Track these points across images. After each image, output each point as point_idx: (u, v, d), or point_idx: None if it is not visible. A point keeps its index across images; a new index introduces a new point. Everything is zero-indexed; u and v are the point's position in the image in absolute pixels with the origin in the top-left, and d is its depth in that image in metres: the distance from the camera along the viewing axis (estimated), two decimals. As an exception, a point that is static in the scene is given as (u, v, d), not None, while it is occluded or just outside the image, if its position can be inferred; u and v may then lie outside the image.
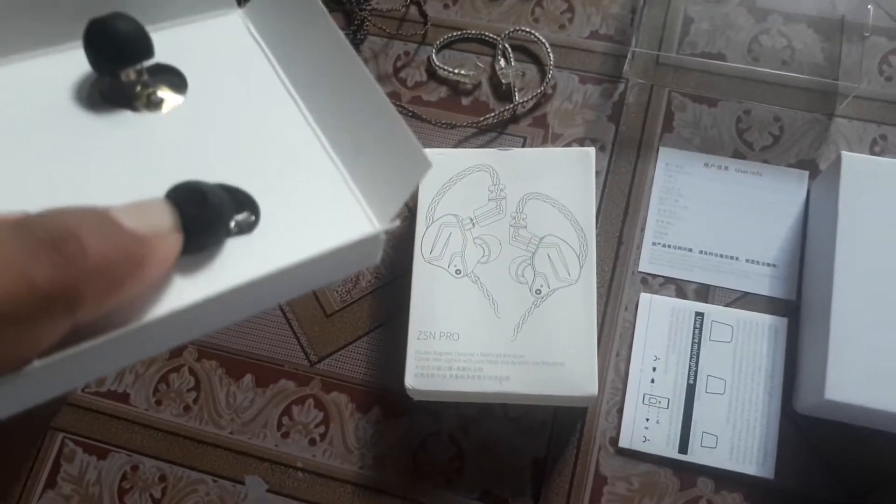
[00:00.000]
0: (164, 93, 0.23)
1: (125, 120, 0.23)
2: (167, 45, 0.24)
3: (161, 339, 0.19)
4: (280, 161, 0.23)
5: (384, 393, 0.51)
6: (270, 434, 0.50)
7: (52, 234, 0.15)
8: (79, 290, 0.15)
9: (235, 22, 0.26)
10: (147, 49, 0.22)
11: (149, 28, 0.22)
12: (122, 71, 0.22)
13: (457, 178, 0.48)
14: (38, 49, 0.23)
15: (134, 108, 0.23)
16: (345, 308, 0.53)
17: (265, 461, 0.50)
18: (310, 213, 0.22)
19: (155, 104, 0.23)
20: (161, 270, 0.18)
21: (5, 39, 0.22)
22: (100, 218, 0.17)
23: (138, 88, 0.23)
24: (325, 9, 0.23)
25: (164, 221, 0.18)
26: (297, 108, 0.24)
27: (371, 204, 0.23)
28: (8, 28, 0.22)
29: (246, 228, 0.21)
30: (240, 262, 0.20)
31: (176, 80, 0.24)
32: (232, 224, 0.21)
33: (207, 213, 0.19)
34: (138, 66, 0.22)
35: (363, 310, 0.53)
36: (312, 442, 0.50)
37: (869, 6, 0.52)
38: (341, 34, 0.23)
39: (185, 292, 0.19)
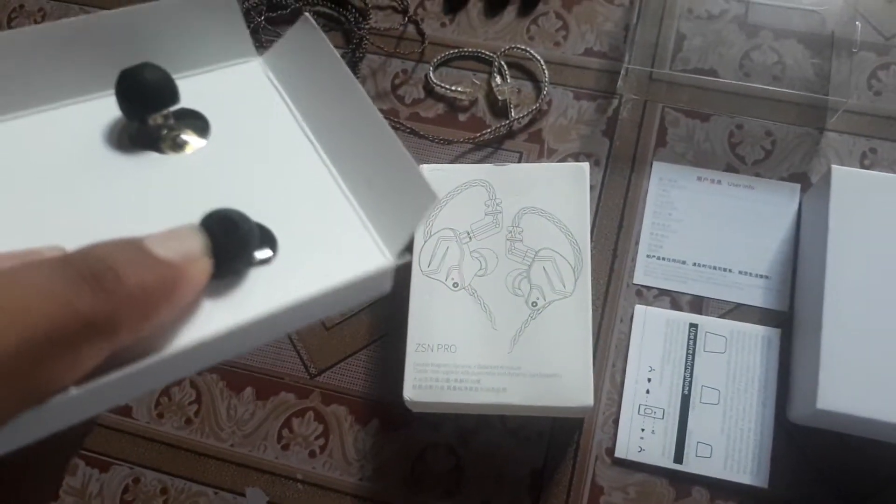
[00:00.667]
0: (188, 136, 0.25)
1: (152, 161, 0.24)
2: (192, 91, 0.25)
3: (183, 367, 0.20)
4: (297, 197, 0.24)
5: (383, 405, 0.51)
6: (271, 446, 0.51)
7: (92, 267, 0.16)
8: (118, 316, 0.16)
9: (255, 69, 0.27)
10: (173, 96, 0.24)
11: (174, 76, 0.24)
12: (149, 116, 0.24)
13: (454, 192, 0.48)
14: (72, 98, 0.25)
15: (160, 150, 0.24)
16: (344, 321, 0.54)
17: (266, 473, 0.50)
18: (326, 246, 0.23)
19: (179, 146, 0.25)
20: (193, 294, 0.19)
21: (42, 89, 0.24)
22: (134, 248, 0.18)
23: (164, 132, 0.24)
24: (338, 54, 0.25)
25: (195, 246, 0.19)
26: (313, 148, 0.26)
27: (383, 237, 0.24)
28: (45, 79, 0.24)
29: (265, 262, 0.22)
30: (261, 293, 0.21)
31: (199, 123, 0.25)
32: (255, 254, 0.22)
33: (236, 241, 0.20)
34: (164, 112, 0.24)
35: (362, 323, 0.53)
36: (312, 454, 0.51)
37: (857, 22, 0.53)
38: (353, 77, 0.24)
39: (210, 322, 0.20)
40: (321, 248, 0.23)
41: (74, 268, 0.16)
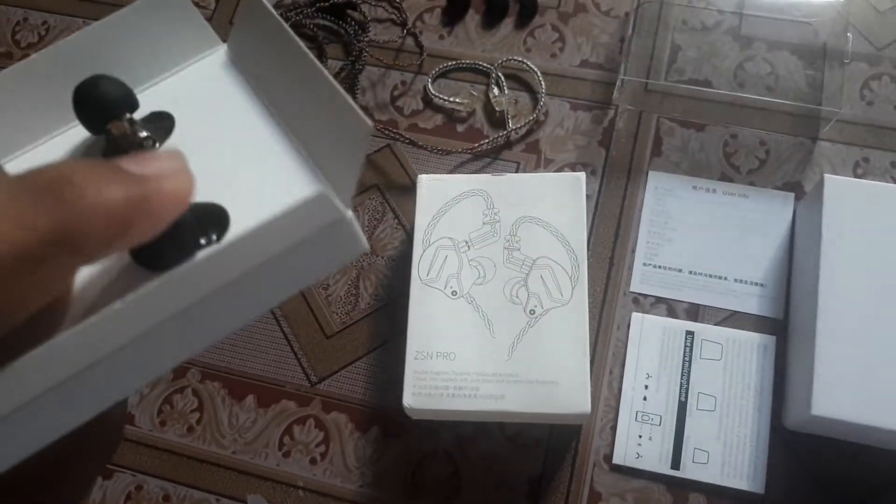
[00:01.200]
0: (156, 135, 0.25)
1: None
2: (163, 94, 0.26)
3: (169, 349, 0.20)
4: (251, 161, 0.25)
5: (383, 412, 0.52)
6: (272, 454, 0.52)
7: (51, 180, 0.16)
8: (79, 230, 0.16)
9: (220, 58, 0.27)
10: (127, 100, 0.24)
11: (145, 84, 0.24)
12: (111, 126, 0.24)
13: (452, 202, 0.49)
14: (50, 133, 0.25)
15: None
16: (344, 329, 0.54)
17: (267, 480, 0.51)
18: (274, 196, 0.23)
19: (148, 148, 0.24)
20: (171, 207, 0.18)
21: (19, 132, 0.25)
22: (99, 164, 0.17)
23: (129, 138, 0.24)
24: (286, 26, 0.25)
25: (173, 164, 0.19)
26: (272, 119, 0.26)
27: (331, 179, 0.23)
28: (21, 120, 0.24)
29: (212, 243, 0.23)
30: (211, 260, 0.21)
31: (166, 123, 0.25)
32: (202, 241, 0.22)
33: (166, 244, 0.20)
34: (125, 118, 0.24)
35: (362, 331, 0.54)
36: (313, 461, 0.51)
37: (849, 34, 0.54)
38: (300, 44, 0.24)
39: (164, 303, 0.19)
40: (269, 199, 0.23)
41: (31, 182, 0.16)
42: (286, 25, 0.25)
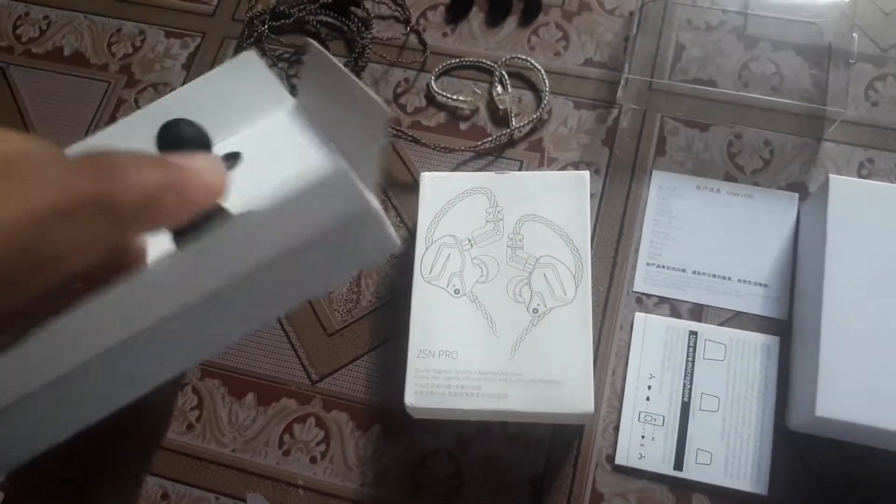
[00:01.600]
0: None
1: None
2: (236, 144, 0.29)
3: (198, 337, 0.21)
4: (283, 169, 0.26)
5: (384, 411, 0.51)
6: (272, 452, 0.51)
7: (96, 158, 0.18)
8: (120, 201, 0.17)
9: (289, 111, 0.30)
10: (202, 141, 0.26)
11: (223, 134, 0.28)
12: None
13: (455, 200, 0.49)
14: None
15: None
16: (346, 327, 0.54)
17: (267, 479, 0.51)
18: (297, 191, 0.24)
19: None
20: (203, 196, 0.20)
21: None
22: (141, 152, 0.19)
23: None
24: (341, 66, 0.27)
25: (207, 163, 0.20)
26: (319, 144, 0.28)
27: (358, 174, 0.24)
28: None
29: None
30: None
31: (232, 158, 0.27)
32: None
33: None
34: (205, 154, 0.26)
35: (364, 329, 0.54)
36: (313, 460, 0.51)
37: (854, 34, 0.54)
38: (357, 81, 0.26)
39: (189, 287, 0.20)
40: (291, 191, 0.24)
41: (79, 159, 0.17)
42: (348, 72, 0.26)
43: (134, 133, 0.27)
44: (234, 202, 0.25)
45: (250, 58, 0.29)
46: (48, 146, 0.17)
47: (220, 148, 0.27)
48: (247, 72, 0.29)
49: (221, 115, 0.29)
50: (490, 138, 0.57)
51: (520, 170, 0.57)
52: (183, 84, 0.63)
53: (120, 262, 0.22)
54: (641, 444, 0.49)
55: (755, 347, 0.50)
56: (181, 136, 0.25)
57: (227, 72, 0.28)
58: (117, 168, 0.18)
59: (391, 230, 0.22)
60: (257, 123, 0.30)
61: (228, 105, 0.29)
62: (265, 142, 0.29)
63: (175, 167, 0.19)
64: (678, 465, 0.48)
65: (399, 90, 0.61)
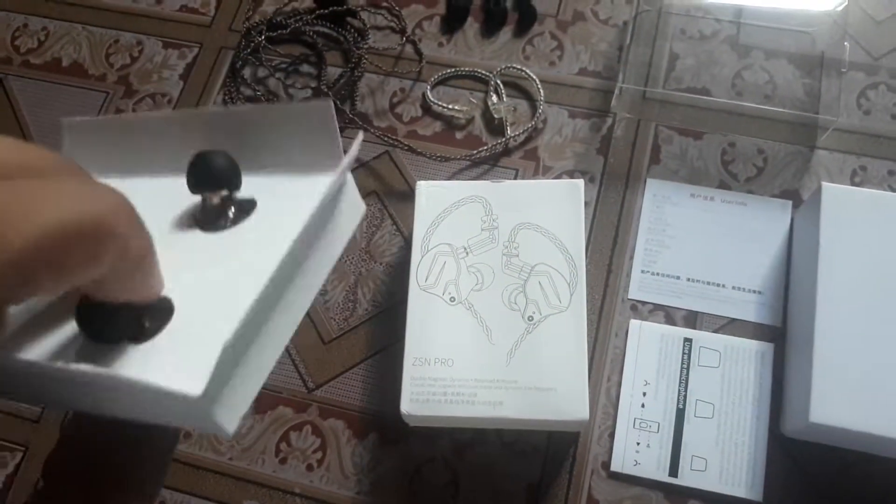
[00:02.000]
0: (237, 216, 0.27)
1: (194, 237, 0.27)
2: (270, 186, 0.28)
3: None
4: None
5: (380, 419, 0.52)
6: (268, 460, 0.51)
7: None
8: (119, 233, 0.19)
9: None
10: (232, 181, 0.26)
11: (261, 171, 0.28)
12: (210, 194, 0.26)
13: (451, 208, 0.49)
14: (160, 174, 0.29)
15: (210, 228, 0.27)
16: (342, 335, 0.54)
17: (263, 487, 0.51)
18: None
19: (220, 227, 0.27)
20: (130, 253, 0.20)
21: (160, 161, 0.28)
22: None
23: (218, 209, 0.27)
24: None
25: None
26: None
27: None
28: (167, 153, 0.28)
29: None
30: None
31: (247, 206, 0.27)
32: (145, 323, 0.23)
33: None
34: (221, 193, 0.26)
35: (360, 337, 0.54)
36: (310, 468, 0.51)
37: (846, 43, 0.54)
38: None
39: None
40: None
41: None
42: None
43: (185, 126, 0.28)
44: (233, 236, 0.26)
45: (327, 104, 0.27)
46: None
47: (247, 181, 0.27)
48: (313, 121, 0.27)
49: (270, 148, 0.28)
50: (485, 147, 0.57)
51: (515, 178, 0.57)
52: (180, 95, 0.63)
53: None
54: (637, 450, 0.49)
55: (749, 354, 0.50)
56: (213, 172, 0.26)
57: (297, 111, 0.27)
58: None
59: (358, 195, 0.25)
60: (295, 178, 0.28)
61: (283, 142, 0.28)
62: (299, 195, 0.27)
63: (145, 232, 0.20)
64: (673, 471, 0.48)
65: (395, 100, 0.61)
